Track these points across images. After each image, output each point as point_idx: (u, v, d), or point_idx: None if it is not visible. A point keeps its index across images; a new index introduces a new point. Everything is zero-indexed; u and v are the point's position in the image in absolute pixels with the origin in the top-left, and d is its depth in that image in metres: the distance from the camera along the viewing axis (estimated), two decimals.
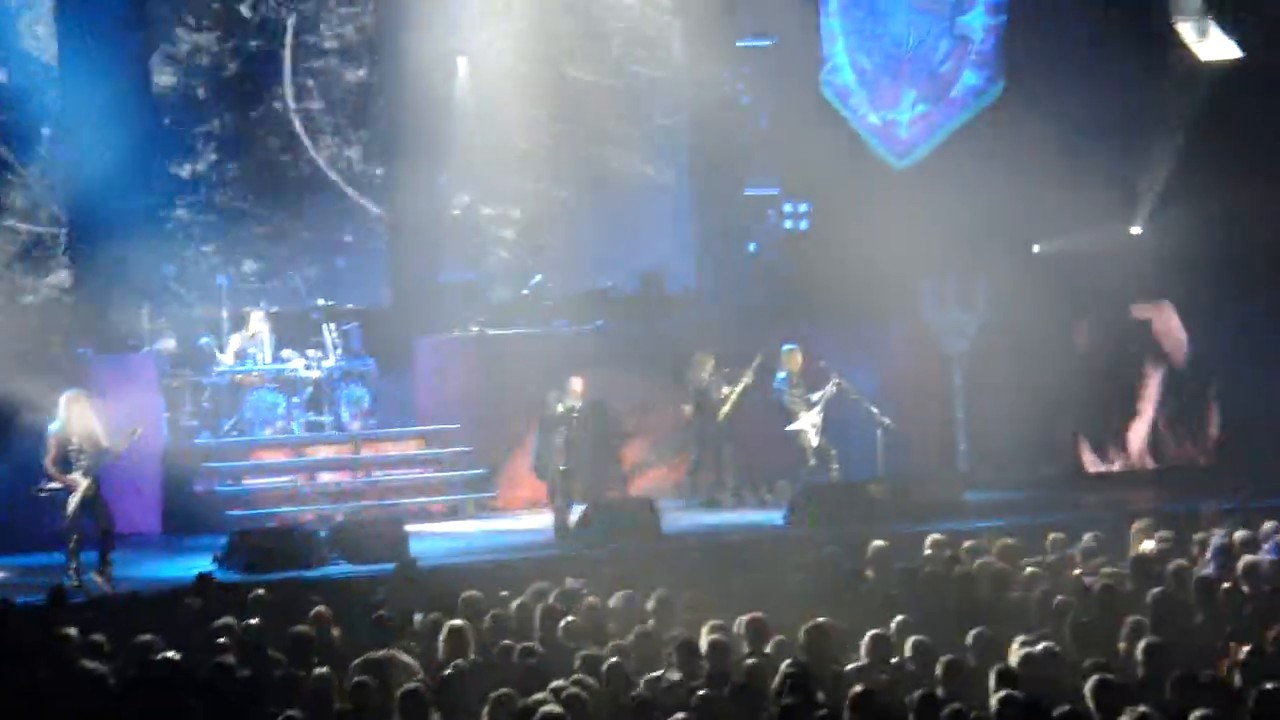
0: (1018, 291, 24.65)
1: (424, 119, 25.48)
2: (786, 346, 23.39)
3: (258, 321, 23.70)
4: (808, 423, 22.92)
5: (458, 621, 13.78)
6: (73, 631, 14.62)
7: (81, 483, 18.66)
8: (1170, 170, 25.08)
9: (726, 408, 23.55)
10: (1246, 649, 12.37)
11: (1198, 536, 17.44)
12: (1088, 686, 11.29)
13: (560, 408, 21.56)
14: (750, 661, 12.47)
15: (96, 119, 23.48)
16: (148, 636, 14.26)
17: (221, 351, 23.50)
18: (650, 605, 14.52)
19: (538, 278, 25.64)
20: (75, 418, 18.75)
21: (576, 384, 21.80)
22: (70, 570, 18.57)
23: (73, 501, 18.66)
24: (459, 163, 26.14)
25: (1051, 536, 17.42)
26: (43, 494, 19.00)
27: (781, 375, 23.22)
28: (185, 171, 25.37)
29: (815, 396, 23.00)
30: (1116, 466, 24.60)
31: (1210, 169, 24.49)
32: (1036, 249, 25.55)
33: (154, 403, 23.10)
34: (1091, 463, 24.68)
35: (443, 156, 25.94)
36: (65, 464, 18.71)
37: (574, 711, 11.36)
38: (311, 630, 14.27)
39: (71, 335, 23.61)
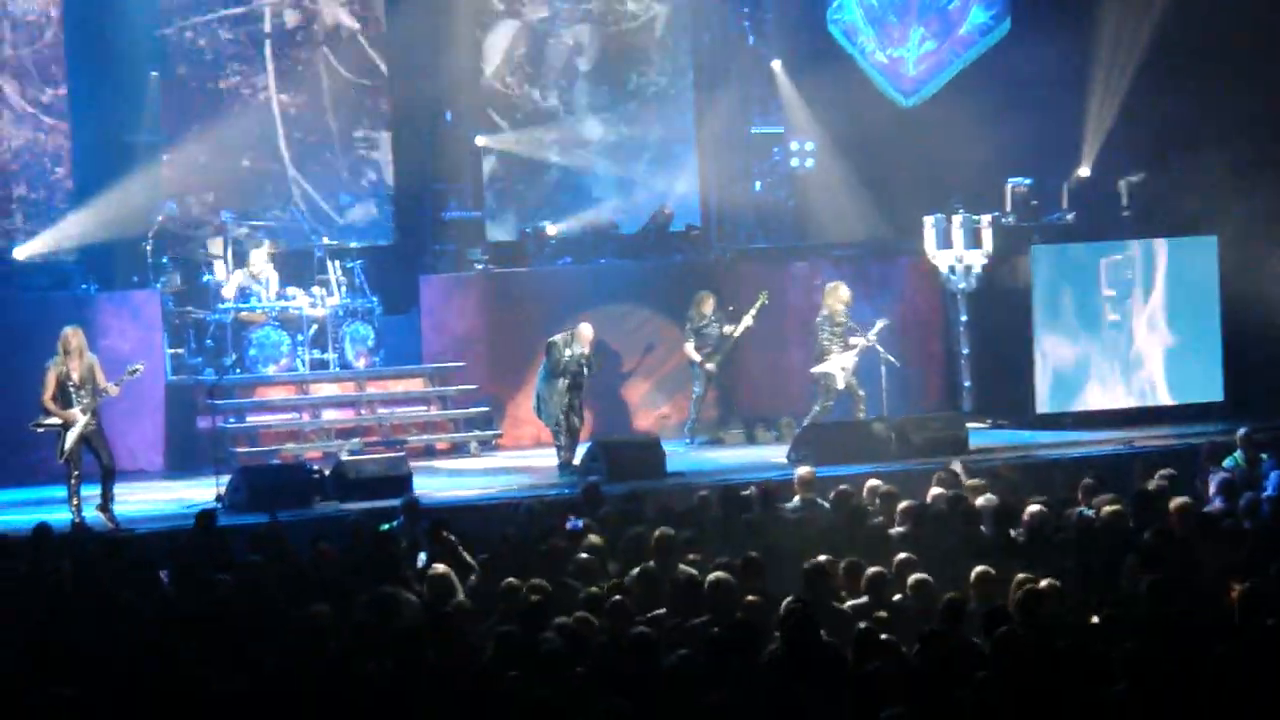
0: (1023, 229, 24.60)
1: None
2: (830, 283, 23.18)
3: (261, 259, 23.63)
4: (837, 366, 22.63)
5: (440, 569, 13.81)
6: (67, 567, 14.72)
7: (80, 418, 18.62)
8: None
9: (728, 347, 23.48)
10: (1246, 585, 12.36)
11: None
12: (1090, 621, 11.33)
13: (568, 353, 21.49)
14: (751, 599, 12.48)
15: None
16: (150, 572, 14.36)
17: (223, 288, 23.44)
18: (652, 543, 14.52)
19: (545, 224, 25.63)
20: (74, 353, 18.70)
21: (586, 331, 21.71)
22: (71, 506, 18.55)
23: (70, 437, 18.61)
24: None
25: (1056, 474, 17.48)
26: (40, 429, 18.97)
27: (824, 314, 22.83)
28: None
29: (855, 340, 22.70)
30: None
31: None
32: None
33: (157, 340, 23.09)
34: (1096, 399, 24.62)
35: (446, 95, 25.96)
36: (65, 399, 18.67)
37: (576, 648, 11.38)
38: (313, 567, 14.29)
39: (74, 272, 23.57)
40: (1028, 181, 24.90)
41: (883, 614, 12.40)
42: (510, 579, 13.50)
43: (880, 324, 22.73)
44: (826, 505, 16.74)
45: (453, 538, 14.93)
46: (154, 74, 24.33)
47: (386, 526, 16.48)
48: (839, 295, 22.80)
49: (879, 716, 9.67)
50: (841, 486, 16.93)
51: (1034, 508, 15.23)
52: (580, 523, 15.89)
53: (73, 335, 18.82)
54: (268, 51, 25.63)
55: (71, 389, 18.63)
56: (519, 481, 21.00)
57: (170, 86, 24.85)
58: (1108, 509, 15.07)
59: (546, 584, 13.40)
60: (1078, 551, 14.30)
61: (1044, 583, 12.49)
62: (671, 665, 10.74)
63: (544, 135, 26.73)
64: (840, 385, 22.59)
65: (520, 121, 26.70)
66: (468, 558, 14.76)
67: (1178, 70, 24.88)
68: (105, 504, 18.70)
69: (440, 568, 13.81)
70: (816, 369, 22.73)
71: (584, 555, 14.35)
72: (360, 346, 23.79)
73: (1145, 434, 22.38)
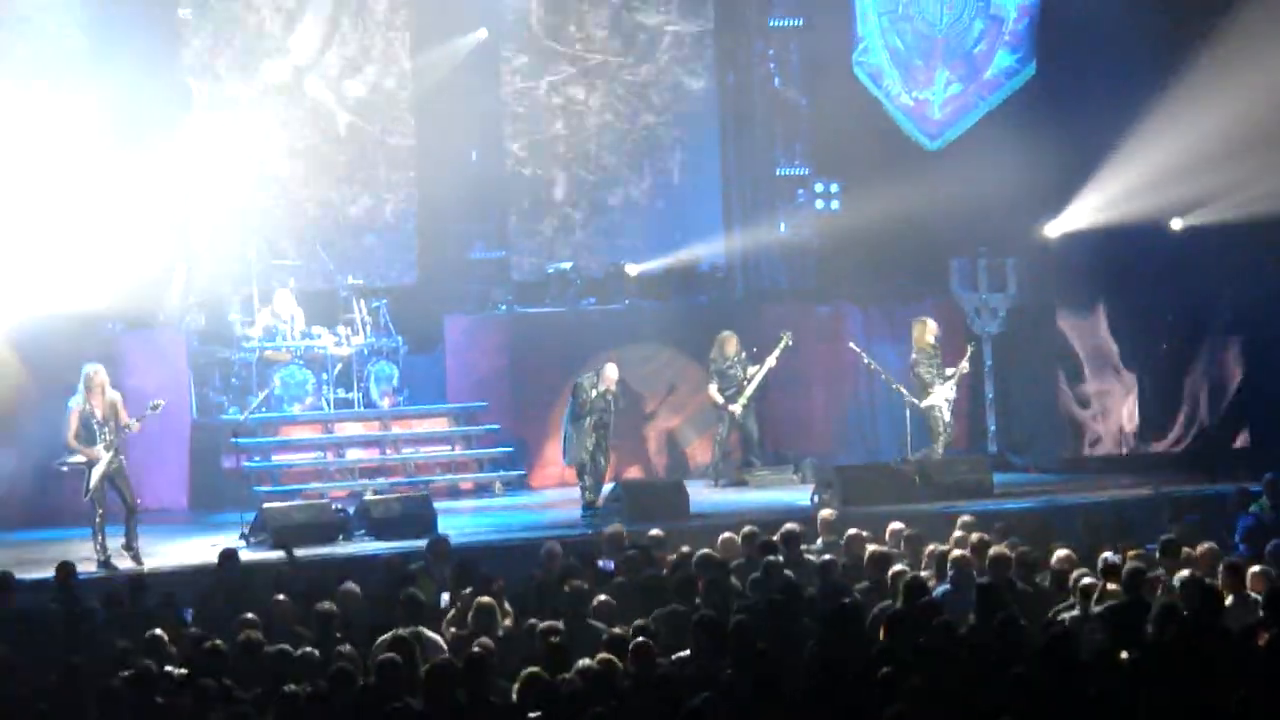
0: (1047, 273, 24.61)
1: None
2: (917, 319, 23.17)
3: (285, 298, 23.68)
4: (941, 398, 22.66)
5: (486, 599, 13.80)
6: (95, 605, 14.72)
7: (104, 456, 18.64)
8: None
9: (751, 389, 23.48)
10: (1275, 631, 12.33)
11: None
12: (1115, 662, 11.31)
13: (594, 393, 21.53)
14: (770, 644, 12.45)
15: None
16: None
17: (250, 328, 23.50)
18: (673, 585, 14.51)
19: (569, 264, 25.63)
20: (95, 390, 18.73)
21: (611, 371, 21.76)
22: (96, 546, 18.56)
23: (95, 475, 18.63)
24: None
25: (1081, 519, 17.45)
26: (65, 468, 18.98)
27: (917, 350, 22.86)
28: None
29: (950, 371, 22.73)
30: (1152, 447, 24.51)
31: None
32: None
33: (182, 378, 23.15)
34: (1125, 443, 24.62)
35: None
36: (88, 437, 18.69)
37: (600, 689, 11.37)
38: (338, 607, 14.30)
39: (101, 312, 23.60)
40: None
41: (906, 657, 12.36)
42: (533, 620, 13.51)
43: (970, 350, 22.72)
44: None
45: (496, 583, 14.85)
46: None
47: (415, 566, 16.48)
48: (928, 328, 22.92)
49: None
50: (851, 531, 16.90)
51: (1061, 554, 15.22)
52: (611, 564, 15.87)
53: (95, 373, 18.85)
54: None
55: (95, 426, 18.66)
56: (542, 521, 21.01)
57: None
58: (1133, 554, 15.02)
59: (569, 625, 13.40)
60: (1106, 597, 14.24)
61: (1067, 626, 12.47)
62: (695, 708, 10.72)
63: (572, 175, 26.73)
64: (948, 417, 22.56)
65: (542, 163, 26.68)
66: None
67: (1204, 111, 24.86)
68: (130, 542, 18.72)
69: (487, 599, 13.78)
70: (926, 402, 22.68)
71: (607, 596, 14.34)
72: (385, 386, 23.84)
73: (1171, 479, 22.33)
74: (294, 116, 25.47)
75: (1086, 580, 14.21)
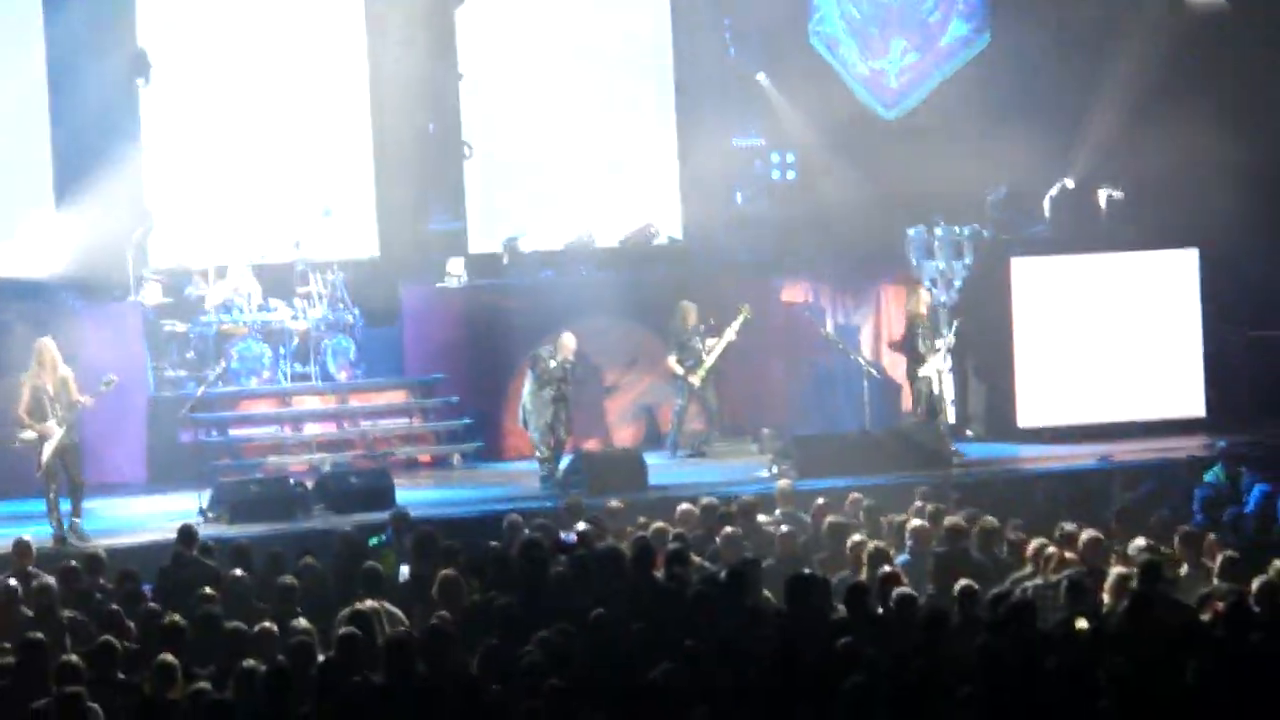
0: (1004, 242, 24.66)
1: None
2: (912, 290, 23.12)
3: (242, 272, 23.61)
4: (933, 369, 22.57)
5: (447, 572, 13.81)
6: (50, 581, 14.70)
7: (56, 431, 18.52)
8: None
9: (710, 360, 23.50)
10: (1229, 600, 12.42)
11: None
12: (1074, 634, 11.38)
13: (552, 363, 21.55)
14: (730, 615, 12.50)
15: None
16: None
17: (205, 301, 23.42)
18: (632, 556, 14.54)
19: (522, 234, 25.59)
20: (47, 366, 18.60)
21: (569, 340, 21.77)
22: (52, 520, 18.48)
23: (47, 450, 18.51)
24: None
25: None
26: (16, 444, 18.86)
27: (909, 317, 22.83)
28: None
29: (940, 343, 22.66)
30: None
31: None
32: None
33: (138, 352, 23.07)
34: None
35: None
36: (40, 412, 18.57)
37: (558, 661, 11.39)
38: (297, 581, 14.29)
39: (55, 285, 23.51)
40: (1002, 192, 24.96)
41: (866, 628, 12.42)
42: (491, 592, 13.54)
43: (956, 323, 22.78)
44: (807, 518, 16.78)
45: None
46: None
47: (375, 540, 16.49)
48: (921, 299, 22.87)
49: None
50: (820, 501, 16.96)
51: (1011, 524, 15.32)
52: (573, 536, 15.90)
53: (46, 347, 18.72)
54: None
55: (47, 402, 18.54)
56: (501, 494, 21.02)
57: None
58: (1089, 531, 15.09)
59: (528, 597, 13.43)
60: (1060, 566, 14.31)
61: (1028, 596, 12.54)
62: (655, 679, 10.75)
63: (526, 146, 26.67)
64: (937, 389, 22.57)
65: (500, 133, 26.63)
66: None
67: (1160, 82, 24.92)
68: (74, 518, 18.59)
69: (451, 573, 13.79)
70: (921, 372, 22.61)
71: (565, 568, 14.36)
72: (342, 359, 23.79)
73: (1125, 449, 22.43)
74: (252, 87, 25.33)
75: (1046, 550, 14.31)
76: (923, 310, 22.75)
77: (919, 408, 22.63)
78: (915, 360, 22.60)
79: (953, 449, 22.02)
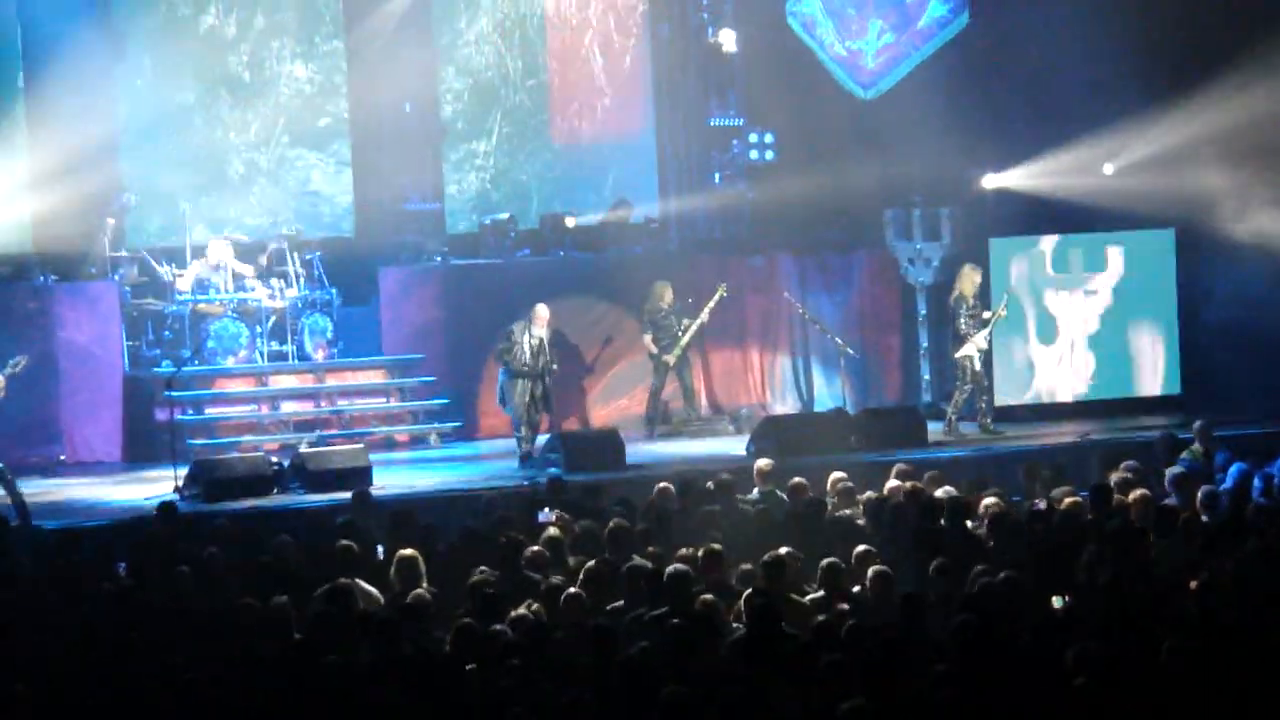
0: (982, 223, 24.69)
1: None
2: (966, 266, 22.93)
3: (219, 249, 23.54)
4: (974, 348, 22.47)
5: (408, 551, 13.79)
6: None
7: None
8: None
9: (686, 339, 23.51)
10: (1204, 579, 12.45)
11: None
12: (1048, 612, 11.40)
13: (526, 337, 21.53)
14: (710, 594, 12.49)
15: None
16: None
17: (181, 279, 23.35)
18: (607, 535, 14.55)
19: (504, 216, 25.55)
20: None
21: (542, 312, 21.75)
22: (15, 503, 18.31)
23: None
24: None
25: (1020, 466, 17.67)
26: None
27: (955, 295, 22.67)
28: None
29: (987, 315, 22.55)
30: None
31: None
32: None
33: (115, 331, 23.03)
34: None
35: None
36: None
37: (534, 640, 11.39)
38: (272, 560, 14.28)
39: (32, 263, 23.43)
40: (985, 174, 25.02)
41: (842, 606, 12.44)
42: (469, 570, 13.54)
43: (1006, 297, 22.73)
44: (785, 497, 16.79)
45: None
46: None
47: (343, 520, 16.47)
48: (972, 278, 22.68)
49: (839, 709, 9.69)
50: (796, 479, 16.97)
51: (990, 500, 15.34)
52: (551, 515, 15.88)
53: None
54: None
55: None
56: (479, 473, 21.02)
57: None
58: (1067, 501, 15.15)
59: (505, 576, 13.43)
60: (1035, 544, 14.34)
61: (1003, 575, 12.55)
62: (631, 657, 10.76)
63: (505, 126, 26.63)
64: (979, 366, 22.51)
65: (477, 114, 26.58)
66: None
67: (1136, 64, 24.93)
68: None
69: (409, 551, 13.78)
70: (959, 353, 22.54)
71: (542, 547, 14.36)
72: (319, 338, 23.74)
73: (1102, 427, 22.51)
74: (228, 65, 25.26)
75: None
76: (969, 290, 22.58)
77: (964, 387, 22.53)
78: (956, 340, 22.52)
79: (991, 426, 22.36)
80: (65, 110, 23.31)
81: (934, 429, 22.19)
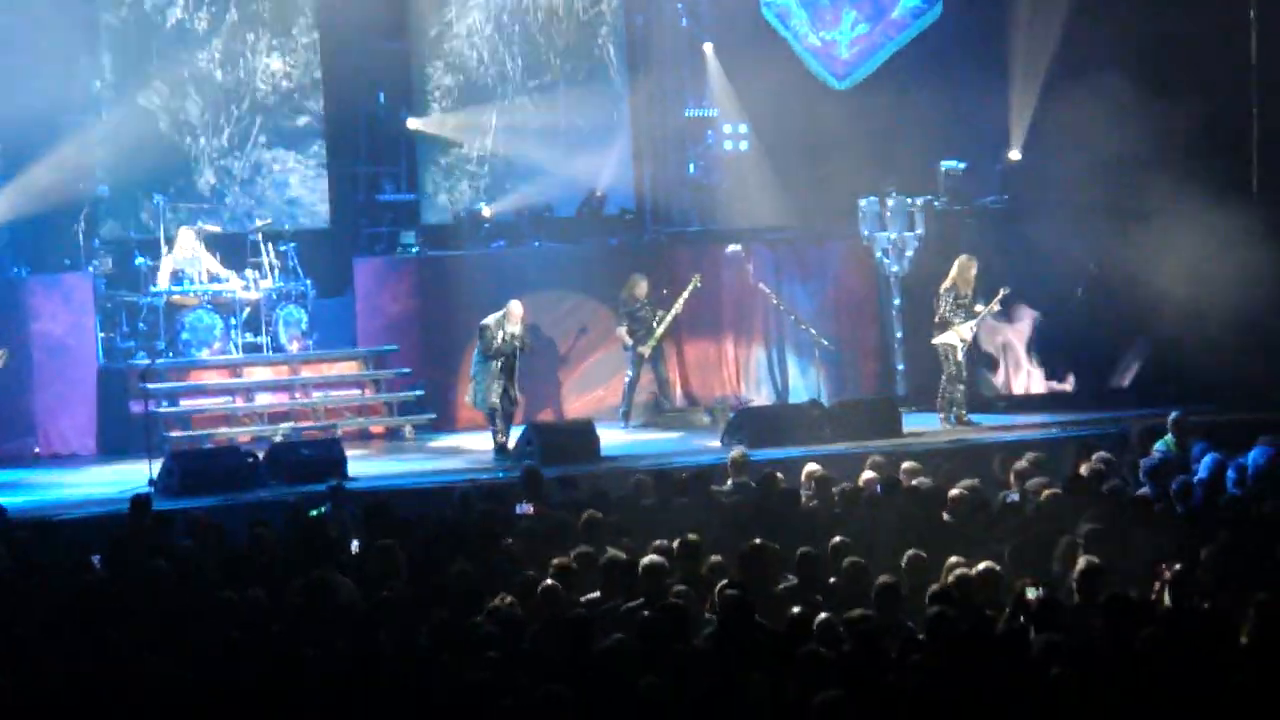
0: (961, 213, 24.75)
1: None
2: (963, 256, 22.76)
3: (190, 240, 23.47)
4: (956, 337, 22.38)
5: (385, 543, 13.79)
6: None
7: None
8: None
9: (661, 330, 23.53)
10: (1177, 569, 12.48)
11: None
12: (1021, 606, 11.41)
13: (500, 333, 21.52)
14: (684, 585, 12.51)
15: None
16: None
17: (156, 271, 23.30)
18: (582, 527, 14.56)
19: (479, 207, 25.54)
20: None
21: (516, 308, 21.72)
22: None
23: None
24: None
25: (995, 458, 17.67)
26: None
27: (948, 283, 22.52)
28: None
29: (979, 308, 22.48)
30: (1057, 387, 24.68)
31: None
32: None
33: (89, 323, 22.98)
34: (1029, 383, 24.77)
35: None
36: None
37: (510, 632, 11.39)
38: (248, 552, 14.26)
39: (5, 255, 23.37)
40: (961, 164, 25.01)
41: (817, 597, 12.45)
42: (446, 563, 13.53)
43: (1002, 292, 22.68)
44: (760, 488, 16.80)
45: None
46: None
47: (315, 512, 16.47)
48: (968, 270, 22.56)
49: (814, 700, 9.70)
50: (768, 470, 16.98)
51: (958, 492, 15.36)
52: (529, 507, 15.88)
53: None
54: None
55: None
56: (454, 465, 21.00)
57: None
58: (1045, 493, 15.18)
59: (480, 568, 13.43)
60: (1010, 535, 14.38)
61: (980, 566, 12.57)
62: (606, 649, 10.77)
63: (475, 117, 26.60)
64: (960, 356, 22.47)
65: (451, 105, 26.56)
66: None
67: (1099, 55, 24.95)
68: None
69: (386, 543, 13.77)
70: (937, 339, 22.51)
71: (517, 539, 14.36)
72: (294, 330, 23.71)
73: (1074, 418, 22.54)
74: (203, 57, 25.18)
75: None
76: (963, 281, 22.44)
77: (950, 371, 22.52)
78: (937, 326, 22.48)
79: (966, 417, 22.37)
80: (40, 101, 23.21)
81: (929, 425, 22.19)
